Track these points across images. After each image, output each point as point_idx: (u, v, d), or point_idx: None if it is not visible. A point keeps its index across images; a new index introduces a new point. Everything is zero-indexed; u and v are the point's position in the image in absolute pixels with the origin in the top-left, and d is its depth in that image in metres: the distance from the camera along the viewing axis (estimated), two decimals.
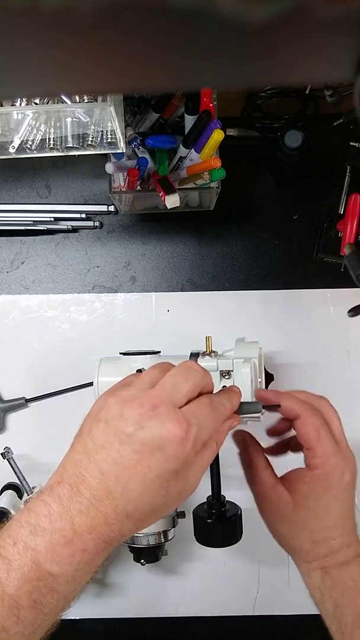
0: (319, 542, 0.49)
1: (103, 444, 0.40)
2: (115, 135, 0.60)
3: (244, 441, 0.54)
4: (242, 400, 0.54)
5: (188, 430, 0.39)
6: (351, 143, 0.69)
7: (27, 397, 0.75)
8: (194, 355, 0.59)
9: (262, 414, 0.57)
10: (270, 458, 0.54)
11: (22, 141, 0.60)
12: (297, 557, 0.51)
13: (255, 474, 0.52)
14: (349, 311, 0.64)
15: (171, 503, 0.40)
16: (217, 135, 0.63)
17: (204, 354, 0.59)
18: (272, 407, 0.51)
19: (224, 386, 0.57)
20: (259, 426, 0.57)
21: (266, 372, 0.66)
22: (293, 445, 0.55)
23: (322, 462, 0.48)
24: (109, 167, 0.65)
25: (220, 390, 0.46)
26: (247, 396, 0.56)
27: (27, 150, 0.61)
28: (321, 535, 0.49)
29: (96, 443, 0.40)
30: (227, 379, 0.57)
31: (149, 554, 0.64)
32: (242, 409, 0.47)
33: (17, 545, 0.38)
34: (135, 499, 0.38)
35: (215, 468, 0.56)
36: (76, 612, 0.73)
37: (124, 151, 0.63)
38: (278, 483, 0.51)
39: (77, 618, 0.73)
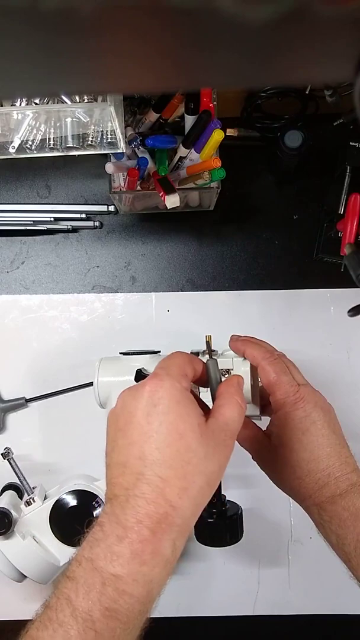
0: (303, 478, 0.51)
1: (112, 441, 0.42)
2: (115, 135, 0.60)
3: None
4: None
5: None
6: (351, 143, 0.69)
7: (27, 397, 0.75)
8: (209, 349, 0.59)
9: (260, 419, 0.58)
10: None
11: (22, 141, 0.60)
12: (294, 497, 0.53)
13: (240, 434, 0.55)
14: (349, 311, 0.64)
15: (190, 452, 0.40)
16: (217, 135, 0.63)
17: (203, 352, 0.59)
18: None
19: None
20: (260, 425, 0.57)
21: None
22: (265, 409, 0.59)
23: (282, 403, 0.52)
24: (109, 167, 0.65)
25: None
26: (246, 394, 0.56)
27: (27, 150, 0.61)
28: (303, 470, 0.51)
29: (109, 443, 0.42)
30: (227, 377, 0.57)
31: None
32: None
33: (80, 564, 0.38)
34: (161, 459, 0.39)
35: None
36: None
37: (124, 151, 0.63)
38: (259, 433, 0.55)
39: None
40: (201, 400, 0.49)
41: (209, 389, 0.48)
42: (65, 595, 0.37)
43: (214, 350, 0.60)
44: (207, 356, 0.59)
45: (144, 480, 0.39)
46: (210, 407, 0.48)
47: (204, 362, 0.48)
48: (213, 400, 0.46)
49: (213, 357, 0.59)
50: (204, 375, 0.47)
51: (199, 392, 0.54)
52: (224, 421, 0.42)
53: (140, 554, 0.37)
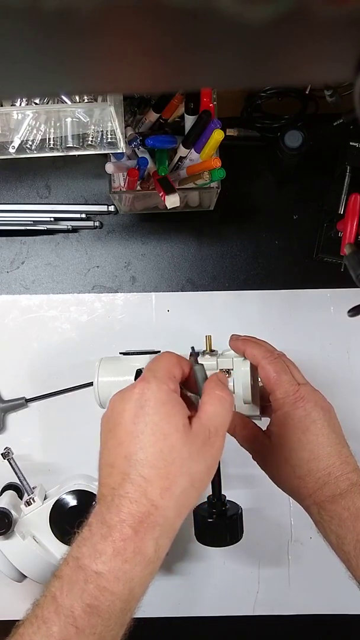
0: (303, 477, 0.51)
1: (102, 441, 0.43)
2: (115, 135, 0.60)
3: None
4: (240, 398, 0.56)
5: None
6: (351, 143, 0.69)
7: (27, 397, 0.75)
8: (194, 355, 0.59)
9: (260, 419, 0.58)
10: None
11: (22, 141, 0.60)
12: (294, 497, 0.53)
13: (240, 434, 0.56)
14: (349, 311, 0.64)
15: (173, 451, 0.40)
16: (217, 135, 0.63)
17: (203, 352, 0.59)
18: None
19: None
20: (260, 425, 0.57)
21: None
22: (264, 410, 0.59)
23: (282, 403, 0.52)
24: (109, 167, 0.65)
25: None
26: (246, 394, 0.56)
27: (27, 150, 0.61)
28: (303, 469, 0.51)
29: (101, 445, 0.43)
30: (227, 377, 0.57)
31: None
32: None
33: (67, 563, 0.39)
34: (145, 459, 0.40)
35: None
36: None
37: (124, 151, 0.63)
38: (259, 432, 0.55)
39: None
40: (193, 402, 0.49)
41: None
42: (51, 593, 0.38)
43: (213, 351, 0.60)
44: (207, 356, 0.59)
45: (128, 480, 0.39)
46: None
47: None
48: None
49: (213, 356, 0.59)
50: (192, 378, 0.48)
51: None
52: (207, 417, 0.42)
53: (123, 552, 0.38)
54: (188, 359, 0.59)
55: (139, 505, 0.39)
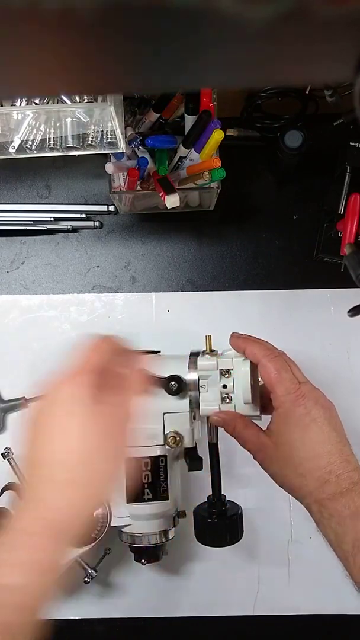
0: (304, 475, 0.51)
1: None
2: (115, 135, 0.60)
3: (223, 420, 0.57)
4: (240, 398, 0.56)
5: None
6: (351, 143, 0.69)
7: (27, 397, 0.75)
8: (194, 355, 0.59)
9: (260, 419, 0.58)
10: None
11: (22, 141, 0.60)
12: (295, 495, 0.53)
13: (240, 434, 0.56)
14: (349, 311, 0.64)
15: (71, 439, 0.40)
16: (217, 135, 0.63)
17: (203, 352, 0.59)
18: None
19: (224, 385, 0.57)
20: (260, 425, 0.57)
21: None
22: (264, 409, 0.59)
23: (283, 400, 0.52)
24: (109, 167, 0.65)
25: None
26: (246, 394, 0.56)
27: (27, 150, 0.61)
28: (304, 467, 0.51)
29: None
30: (227, 377, 0.57)
31: (150, 554, 0.64)
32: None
33: None
34: (52, 460, 0.40)
35: (215, 468, 0.57)
36: (76, 612, 0.73)
37: (124, 151, 0.63)
38: (259, 432, 0.55)
39: (78, 618, 0.73)
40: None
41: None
42: None
43: (213, 350, 0.60)
44: (207, 356, 0.59)
45: (40, 482, 0.39)
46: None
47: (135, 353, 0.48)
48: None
49: (213, 356, 0.59)
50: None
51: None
52: (117, 411, 0.43)
53: (27, 561, 0.37)
54: (188, 359, 0.59)
55: (42, 511, 0.38)
